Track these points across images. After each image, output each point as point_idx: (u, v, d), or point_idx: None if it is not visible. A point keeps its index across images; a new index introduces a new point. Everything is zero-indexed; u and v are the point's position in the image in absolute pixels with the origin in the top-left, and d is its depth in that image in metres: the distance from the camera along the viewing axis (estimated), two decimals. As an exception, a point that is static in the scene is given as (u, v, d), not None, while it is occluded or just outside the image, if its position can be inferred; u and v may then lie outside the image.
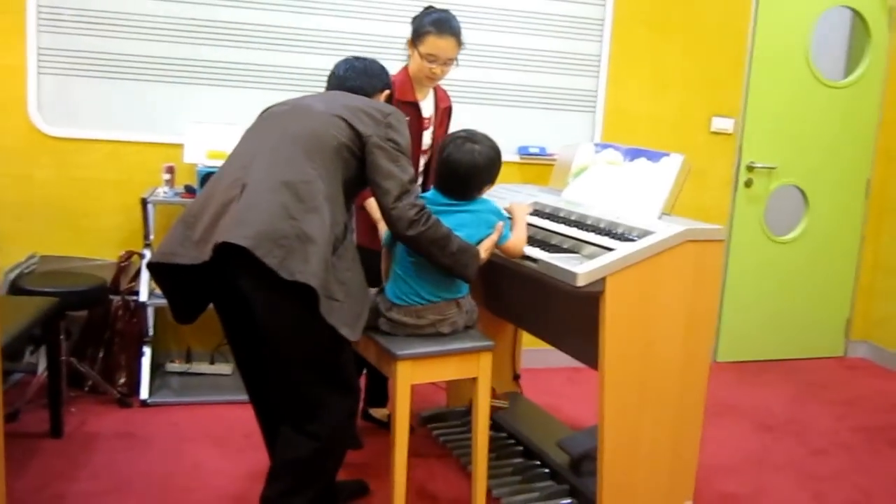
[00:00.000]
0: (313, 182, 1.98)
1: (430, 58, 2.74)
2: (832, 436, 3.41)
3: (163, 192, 3.26)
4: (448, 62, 2.77)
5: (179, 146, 3.36)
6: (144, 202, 3.19)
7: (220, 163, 3.22)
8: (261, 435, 2.39)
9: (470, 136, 2.36)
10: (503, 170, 2.91)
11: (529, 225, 2.57)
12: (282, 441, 2.14)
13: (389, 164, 2.09)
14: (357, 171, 2.13)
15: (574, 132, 3.90)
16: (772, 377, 4.16)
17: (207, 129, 3.32)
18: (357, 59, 2.42)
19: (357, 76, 2.37)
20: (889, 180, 4.46)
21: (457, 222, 2.27)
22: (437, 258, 2.18)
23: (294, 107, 2.19)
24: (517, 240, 2.37)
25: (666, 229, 2.24)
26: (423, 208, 2.12)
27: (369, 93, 2.36)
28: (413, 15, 2.83)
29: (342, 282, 1.99)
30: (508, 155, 3.80)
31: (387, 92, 2.43)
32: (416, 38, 2.77)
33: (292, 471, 2.12)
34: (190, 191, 3.22)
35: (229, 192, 2.00)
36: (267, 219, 1.90)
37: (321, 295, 1.90)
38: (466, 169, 2.31)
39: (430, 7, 2.82)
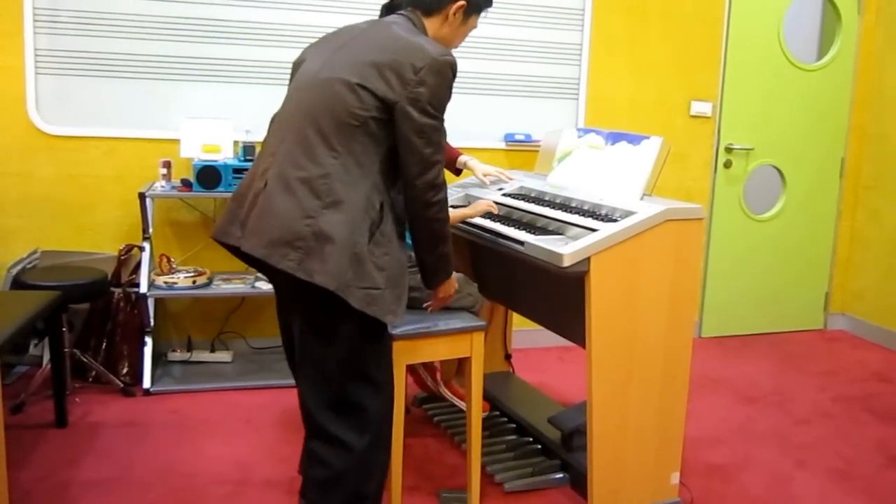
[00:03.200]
0: (332, 174, 1.78)
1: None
2: (814, 406, 3.38)
3: (160, 186, 3.20)
4: None
5: (175, 141, 3.31)
6: (142, 196, 3.13)
7: (214, 157, 3.22)
8: (262, 419, 2.32)
9: None
10: (490, 156, 2.86)
11: (515, 209, 2.53)
12: (309, 456, 1.90)
13: (412, 134, 1.80)
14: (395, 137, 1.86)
15: (558, 119, 3.85)
16: (754, 351, 4.13)
17: (202, 124, 3.26)
18: None
19: None
20: (862, 158, 4.42)
21: None
22: (423, 250, 1.96)
23: (319, 69, 1.89)
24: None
25: (647, 209, 2.20)
26: (440, 190, 1.86)
27: (435, 8, 1.98)
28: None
29: (381, 268, 1.81)
30: (495, 142, 3.78)
31: (460, 3, 2.00)
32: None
33: (323, 491, 1.86)
34: (186, 184, 3.15)
35: (259, 181, 1.85)
36: (281, 224, 1.76)
37: (348, 291, 1.74)
38: None
39: None
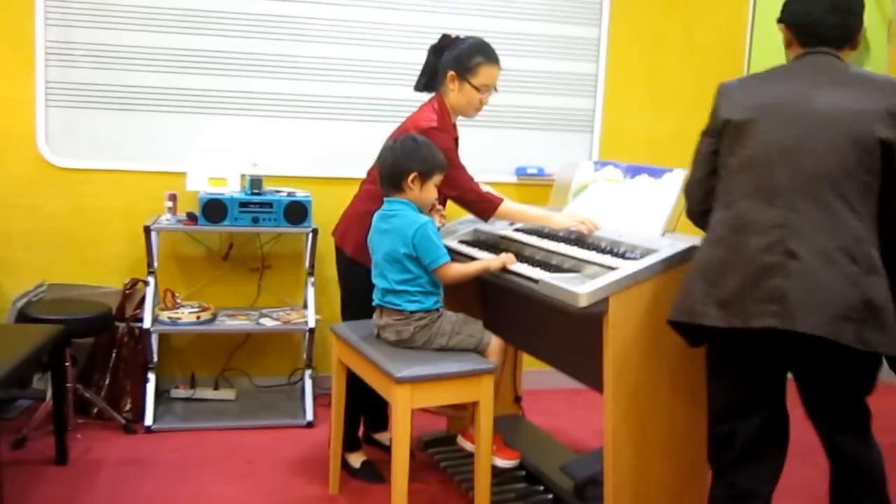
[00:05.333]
0: (864, 238, 1.69)
1: (485, 88, 2.55)
2: (843, 452, 3.18)
3: (165, 219, 3.13)
4: (494, 89, 2.61)
5: (182, 174, 3.23)
6: (147, 230, 3.06)
7: (220, 189, 3.14)
8: (265, 461, 2.22)
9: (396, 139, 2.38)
10: (501, 190, 2.76)
11: (528, 245, 2.42)
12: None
13: None
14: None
15: (572, 152, 3.72)
16: (778, 392, 3.94)
17: (208, 157, 3.20)
18: None
19: (835, 13, 1.82)
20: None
21: (389, 227, 2.29)
22: None
23: (808, 125, 1.73)
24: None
25: (670, 247, 2.07)
26: None
27: (848, 36, 1.85)
28: (420, 41, 2.65)
29: None
30: (507, 176, 3.67)
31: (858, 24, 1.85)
32: (466, 70, 2.52)
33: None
34: (192, 218, 3.08)
35: (767, 255, 1.71)
36: (835, 298, 1.66)
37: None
38: (384, 160, 2.34)
39: (458, 37, 2.61)
